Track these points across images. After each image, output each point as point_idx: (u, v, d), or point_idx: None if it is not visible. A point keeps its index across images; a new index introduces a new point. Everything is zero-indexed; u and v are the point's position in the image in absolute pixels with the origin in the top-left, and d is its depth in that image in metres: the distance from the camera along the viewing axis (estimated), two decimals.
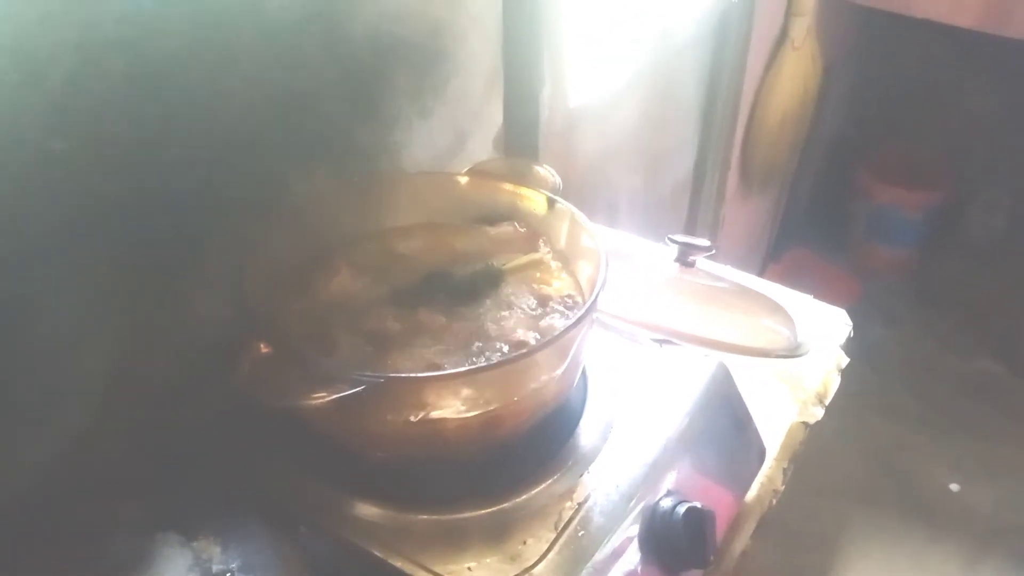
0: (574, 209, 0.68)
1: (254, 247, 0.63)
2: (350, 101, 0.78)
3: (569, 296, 0.65)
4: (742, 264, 2.10)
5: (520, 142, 1.02)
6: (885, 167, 2.21)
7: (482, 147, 1.00)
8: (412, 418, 0.56)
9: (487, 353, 0.59)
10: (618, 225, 1.38)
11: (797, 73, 1.72)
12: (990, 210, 2.29)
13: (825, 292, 2.20)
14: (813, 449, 1.82)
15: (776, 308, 0.80)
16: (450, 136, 0.94)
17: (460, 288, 0.65)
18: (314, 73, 0.72)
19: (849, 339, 0.90)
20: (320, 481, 0.62)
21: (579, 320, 0.56)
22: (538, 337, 0.60)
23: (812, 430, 0.82)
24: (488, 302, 0.64)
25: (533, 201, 0.71)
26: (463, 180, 0.74)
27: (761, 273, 2.20)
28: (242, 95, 0.65)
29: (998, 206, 2.28)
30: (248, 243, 0.64)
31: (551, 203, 0.70)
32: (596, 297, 0.58)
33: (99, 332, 0.60)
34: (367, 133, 0.80)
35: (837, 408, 2.06)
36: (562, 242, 0.69)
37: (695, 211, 1.70)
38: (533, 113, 1.01)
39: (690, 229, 1.72)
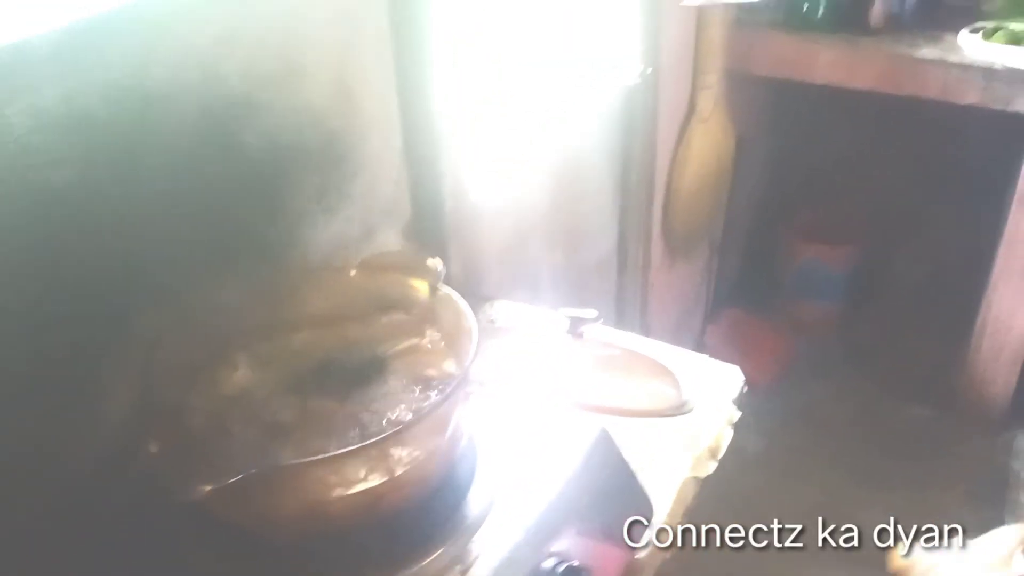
0: (455, 294, 0.74)
1: (160, 345, 0.68)
2: (254, 204, 0.83)
3: (451, 375, 0.70)
4: (680, 327, 2.18)
5: (428, 231, 1.08)
6: (808, 227, 2.31)
7: (391, 237, 1.06)
8: (299, 501, 0.60)
9: (368, 435, 0.64)
10: (543, 300, 1.44)
11: (707, 144, 1.82)
12: (913, 262, 2.39)
13: (762, 349, 2.28)
14: (754, 504, 1.86)
15: (662, 370, 0.85)
16: (358, 229, 1.00)
17: (350, 375, 0.70)
18: (217, 180, 0.77)
19: (743, 394, 0.95)
20: (225, 568, 0.65)
21: (446, 397, 0.61)
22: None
23: (753, 486, 0.85)
24: (375, 387, 0.69)
25: (419, 289, 0.76)
26: (355, 273, 0.79)
27: (700, 335, 2.26)
28: (146, 204, 0.71)
29: (920, 258, 2.38)
30: (155, 340, 0.68)
31: (434, 290, 0.75)
32: (465, 375, 0.63)
33: (12, 426, 0.64)
34: (274, 232, 0.86)
35: (778, 462, 2.10)
36: (446, 326, 0.74)
37: (623, 280, 1.77)
38: (438, 205, 1.07)
39: (620, 297, 1.79)
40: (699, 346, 2.25)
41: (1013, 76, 1.65)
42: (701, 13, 1.73)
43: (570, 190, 1.46)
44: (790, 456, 1.98)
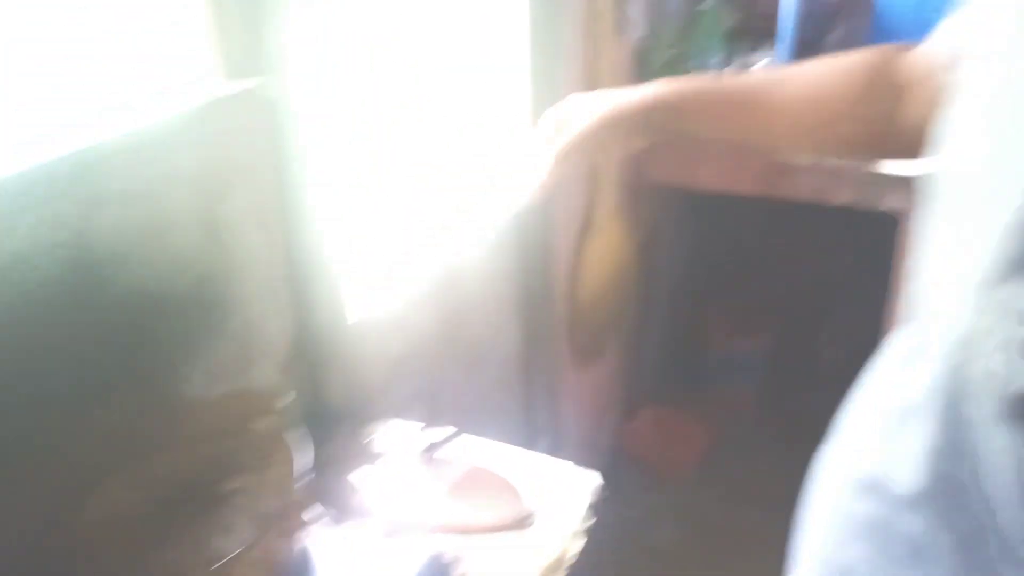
0: (289, 432, 0.80)
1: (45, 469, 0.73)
2: (127, 351, 0.88)
3: (283, 508, 0.76)
4: (596, 430, 2.23)
5: (309, 356, 1.14)
6: (722, 319, 2.42)
7: (269, 367, 1.10)
8: None
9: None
10: (443, 416, 1.48)
11: (606, 252, 1.91)
12: (832, 341, 2.49)
13: (680, 442, 2.33)
14: None
15: (505, 485, 0.91)
16: (235, 365, 1.05)
17: (192, 511, 0.75)
18: (90, 329, 0.82)
19: (604, 500, 1.00)
20: None
21: (264, 532, 0.67)
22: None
23: None
24: (215, 523, 0.74)
25: (265, 425, 0.82)
26: (209, 409, 0.85)
27: (621, 431, 2.32)
28: (18, 350, 0.75)
29: (839, 337, 2.48)
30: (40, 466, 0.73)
31: (276, 426, 0.81)
32: (285, 510, 0.69)
33: None
34: (147, 374, 0.91)
35: (696, 553, 2.12)
36: (282, 461, 0.80)
37: (531, 387, 1.83)
38: (318, 330, 1.13)
39: (529, 403, 1.85)
40: (616, 447, 2.30)
41: (880, 178, 1.79)
42: None
43: (464, 305, 1.53)
44: (712, 544, 2.02)
